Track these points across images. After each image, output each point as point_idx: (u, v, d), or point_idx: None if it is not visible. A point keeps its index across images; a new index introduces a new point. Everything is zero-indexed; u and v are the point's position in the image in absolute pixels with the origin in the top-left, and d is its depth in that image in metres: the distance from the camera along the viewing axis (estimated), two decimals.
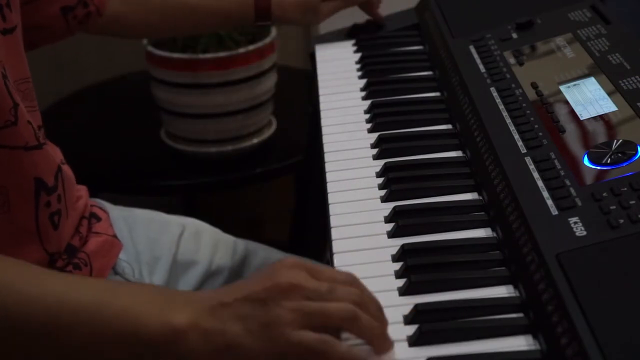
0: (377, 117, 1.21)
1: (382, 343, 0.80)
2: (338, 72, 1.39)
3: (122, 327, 0.78)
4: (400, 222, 0.98)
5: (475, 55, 1.25)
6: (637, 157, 0.93)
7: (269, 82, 1.79)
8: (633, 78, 1.05)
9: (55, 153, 1.12)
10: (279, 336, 0.76)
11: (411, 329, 0.83)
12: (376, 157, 1.13)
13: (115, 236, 1.17)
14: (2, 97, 0.95)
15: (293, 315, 0.77)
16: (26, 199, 1.00)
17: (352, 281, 0.82)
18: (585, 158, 0.95)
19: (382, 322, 0.81)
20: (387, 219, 1.00)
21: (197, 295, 0.83)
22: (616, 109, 1.02)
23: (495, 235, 0.95)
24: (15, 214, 0.99)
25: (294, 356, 0.76)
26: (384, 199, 1.04)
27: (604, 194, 0.88)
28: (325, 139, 1.20)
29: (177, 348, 0.77)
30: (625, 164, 0.92)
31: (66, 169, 1.12)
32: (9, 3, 1.01)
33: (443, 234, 0.96)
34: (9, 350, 0.81)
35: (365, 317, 0.79)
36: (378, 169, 1.10)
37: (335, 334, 0.79)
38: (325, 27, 1.56)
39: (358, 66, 1.39)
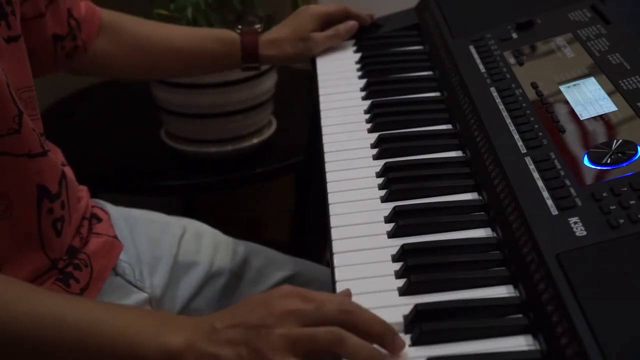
0: (377, 117, 1.21)
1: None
2: (338, 72, 1.39)
3: (119, 347, 0.80)
4: (400, 222, 0.98)
5: (475, 55, 1.25)
6: (637, 157, 0.93)
7: (269, 82, 1.79)
8: (633, 78, 1.05)
9: (56, 155, 1.12)
10: None
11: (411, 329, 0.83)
12: (376, 157, 1.13)
13: (115, 237, 1.17)
14: (6, 104, 0.95)
15: (281, 342, 0.79)
16: (28, 206, 1.00)
17: (343, 301, 0.83)
18: (585, 158, 0.95)
19: (379, 324, 0.81)
20: (387, 219, 1.00)
21: (193, 319, 0.84)
22: (616, 109, 1.02)
23: (495, 235, 0.95)
24: (17, 220, 0.99)
25: None
26: (384, 199, 1.04)
27: (604, 194, 0.88)
28: (325, 139, 1.20)
29: None
30: (625, 164, 0.92)
31: (68, 171, 1.12)
32: (15, 11, 1.01)
33: (443, 234, 0.96)
34: None
35: (353, 339, 0.80)
36: (378, 169, 1.10)
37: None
38: None
39: (358, 66, 1.39)
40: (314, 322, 0.81)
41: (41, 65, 1.21)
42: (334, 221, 1.02)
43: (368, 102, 1.26)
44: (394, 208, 1.00)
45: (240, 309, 0.83)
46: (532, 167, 0.97)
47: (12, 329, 0.81)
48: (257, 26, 1.41)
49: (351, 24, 1.44)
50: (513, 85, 1.14)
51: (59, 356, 0.82)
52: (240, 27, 1.41)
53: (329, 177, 1.11)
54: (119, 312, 0.86)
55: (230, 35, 1.38)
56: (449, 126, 1.18)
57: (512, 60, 1.20)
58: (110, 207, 1.24)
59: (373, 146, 1.15)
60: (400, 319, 0.84)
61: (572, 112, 1.05)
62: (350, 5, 1.49)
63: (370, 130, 1.20)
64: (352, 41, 1.48)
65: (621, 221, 0.85)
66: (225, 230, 1.37)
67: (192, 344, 0.80)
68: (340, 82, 1.36)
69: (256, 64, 1.40)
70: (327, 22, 1.43)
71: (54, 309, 0.82)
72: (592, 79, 1.09)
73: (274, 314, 0.81)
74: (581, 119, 1.03)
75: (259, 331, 0.80)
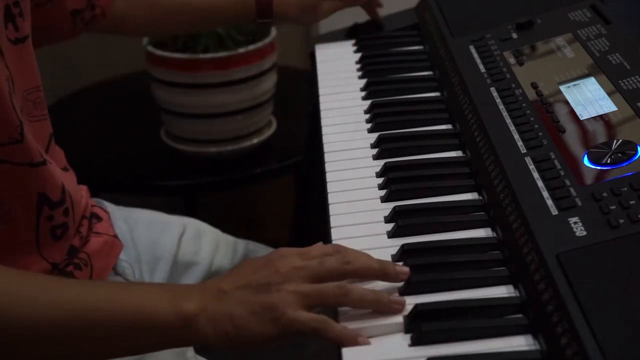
0: (377, 117, 1.21)
1: (381, 307, 0.85)
2: (338, 72, 1.39)
3: (141, 319, 0.84)
4: (400, 222, 0.98)
5: (475, 55, 1.25)
6: (637, 157, 0.93)
7: (269, 82, 1.79)
8: (633, 78, 1.05)
9: (59, 158, 1.12)
10: (281, 316, 0.83)
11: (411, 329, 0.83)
12: (376, 157, 1.13)
13: (116, 236, 1.17)
14: (9, 114, 0.95)
15: (292, 297, 0.84)
16: (28, 213, 1.00)
17: (339, 249, 0.90)
18: (585, 158, 0.95)
19: (376, 262, 0.88)
20: (387, 219, 1.00)
21: (202, 284, 0.89)
22: (616, 109, 1.02)
23: (495, 235, 0.95)
24: (16, 226, 0.99)
25: (293, 334, 0.84)
26: (384, 199, 1.04)
27: (604, 194, 0.88)
28: (325, 139, 1.20)
29: (190, 333, 0.84)
30: (625, 164, 0.92)
31: (69, 175, 1.12)
32: (22, 12, 1.01)
33: (443, 234, 0.96)
34: (40, 354, 0.85)
35: (357, 289, 0.86)
36: (378, 169, 1.10)
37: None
38: (325, 27, 1.56)
39: (358, 66, 1.39)
40: (319, 277, 0.86)
41: (60, 35, 1.26)
42: (334, 221, 1.02)
43: (368, 102, 1.26)
44: (394, 208, 1.00)
45: (244, 271, 0.88)
46: (532, 167, 0.97)
47: (39, 318, 0.83)
48: None
49: None
50: (513, 85, 1.14)
51: (84, 339, 0.85)
52: None
53: (329, 177, 1.11)
54: (134, 288, 0.92)
55: None
56: (449, 126, 1.18)
57: (512, 60, 1.20)
58: (110, 207, 1.24)
59: (373, 146, 1.15)
60: (400, 319, 0.84)
61: (572, 112, 1.05)
62: (351, 9, 1.49)
63: (370, 130, 1.20)
64: (352, 41, 1.48)
65: (621, 221, 0.85)
66: (225, 230, 1.37)
67: (204, 307, 0.84)
68: (340, 82, 1.36)
69: (269, 19, 1.43)
70: None
71: (72, 295, 0.86)
72: (592, 79, 1.09)
73: (279, 272, 0.86)
74: (581, 119, 1.03)
75: (269, 288, 0.85)
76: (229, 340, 0.84)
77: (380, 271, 0.88)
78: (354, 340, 0.83)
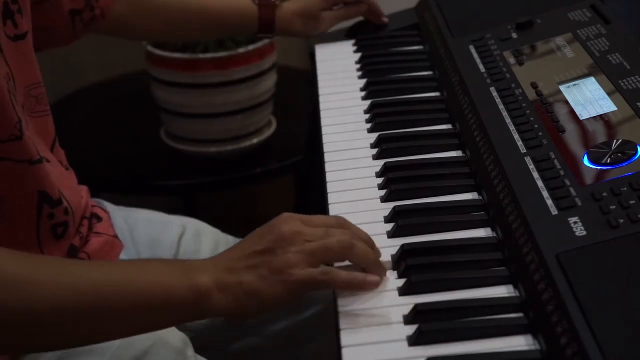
0: (377, 117, 1.21)
1: (377, 269, 0.90)
2: (338, 72, 1.39)
3: (155, 298, 0.86)
4: (400, 222, 0.98)
5: (475, 55, 1.25)
6: (637, 157, 0.93)
7: (269, 82, 1.79)
8: (633, 78, 1.05)
9: (61, 157, 1.12)
10: (289, 277, 0.87)
11: (411, 329, 0.83)
12: (376, 157, 1.13)
13: (116, 236, 1.17)
14: (8, 111, 0.96)
15: (298, 257, 0.87)
16: (28, 211, 1.00)
17: (342, 223, 0.93)
18: (585, 158, 0.95)
19: (375, 250, 0.92)
20: (387, 219, 1.00)
21: (213, 258, 0.91)
22: (616, 109, 1.02)
23: (495, 235, 0.95)
24: (16, 224, 0.99)
25: (304, 291, 0.88)
26: (384, 199, 1.04)
27: (604, 194, 0.88)
28: (325, 139, 1.20)
29: (205, 305, 0.86)
30: (625, 164, 0.92)
31: (69, 174, 1.12)
32: (21, 9, 1.01)
33: (443, 234, 0.96)
34: (60, 337, 0.86)
35: (360, 245, 0.90)
36: (378, 169, 1.10)
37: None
38: None
39: (358, 66, 1.39)
40: (322, 237, 0.90)
41: (60, 40, 1.26)
42: None
43: (368, 102, 1.26)
44: (394, 208, 1.00)
45: (250, 241, 0.91)
46: (532, 167, 0.97)
47: (52, 303, 0.83)
48: None
49: (363, 6, 1.47)
50: (513, 85, 1.14)
51: (101, 320, 0.85)
52: None
53: (329, 177, 1.11)
54: (147, 265, 0.92)
55: (248, 7, 1.41)
56: (449, 126, 1.18)
57: (512, 60, 1.20)
58: (110, 207, 1.24)
59: (373, 146, 1.15)
60: (400, 319, 0.84)
61: (572, 112, 1.05)
62: None
63: (370, 130, 1.20)
64: (352, 41, 1.48)
65: (621, 221, 0.85)
66: (226, 230, 1.36)
67: (217, 280, 0.87)
68: (340, 82, 1.36)
69: (271, 35, 1.45)
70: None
71: (89, 277, 0.86)
72: (592, 79, 1.09)
73: (284, 236, 0.89)
74: (581, 119, 1.03)
75: (275, 252, 0.88)
76: (241, 308, 0.87)
77: (373, 257, 0.91)
78: (362, 281, 0.87)
